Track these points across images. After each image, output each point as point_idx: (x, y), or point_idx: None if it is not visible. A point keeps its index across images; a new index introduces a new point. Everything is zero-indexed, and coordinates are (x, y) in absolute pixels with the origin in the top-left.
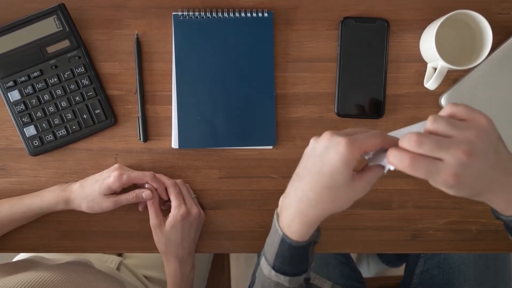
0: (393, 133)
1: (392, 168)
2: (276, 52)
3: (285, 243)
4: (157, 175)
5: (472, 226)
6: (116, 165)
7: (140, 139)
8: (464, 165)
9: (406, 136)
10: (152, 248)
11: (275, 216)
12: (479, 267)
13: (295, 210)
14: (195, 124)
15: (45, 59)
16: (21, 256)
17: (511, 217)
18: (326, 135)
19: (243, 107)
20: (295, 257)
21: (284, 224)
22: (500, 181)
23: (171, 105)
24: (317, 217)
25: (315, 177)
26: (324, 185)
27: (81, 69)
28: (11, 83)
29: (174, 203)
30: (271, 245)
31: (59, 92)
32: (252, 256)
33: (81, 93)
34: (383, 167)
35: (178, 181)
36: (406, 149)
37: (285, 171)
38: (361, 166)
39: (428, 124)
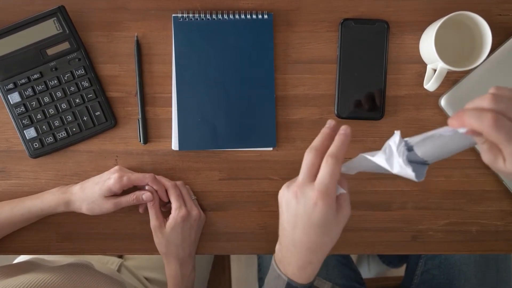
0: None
1: (462, 130)
2: (276, 53)
3: (292, 287)
4: (158, 177)
5: (472, 227)
6: (116, 167)
7: (140, 141)
8: None
9: (478, 97)
10: (153, 250)
11: (273, 262)
12: (480, 267)
13: (302, 262)
14: (195, 126)
15: (45, 61)
16: (22, 258)
17: None
18: (295, 192)
19: (243, 108)
20: None
21: (290, 273)
22: None
23: (171, 107)
24: (321, 259)
25: (308, 232)
26: (321, 233)
27: (81, 71)
28: (11, 85)
29: (174, 204)
30: None
31: (59, 94)
32: (252, 257)
33: (81, 95)
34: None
35: (179, 182)
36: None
37: (285, 172)
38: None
39: (492, 90)
